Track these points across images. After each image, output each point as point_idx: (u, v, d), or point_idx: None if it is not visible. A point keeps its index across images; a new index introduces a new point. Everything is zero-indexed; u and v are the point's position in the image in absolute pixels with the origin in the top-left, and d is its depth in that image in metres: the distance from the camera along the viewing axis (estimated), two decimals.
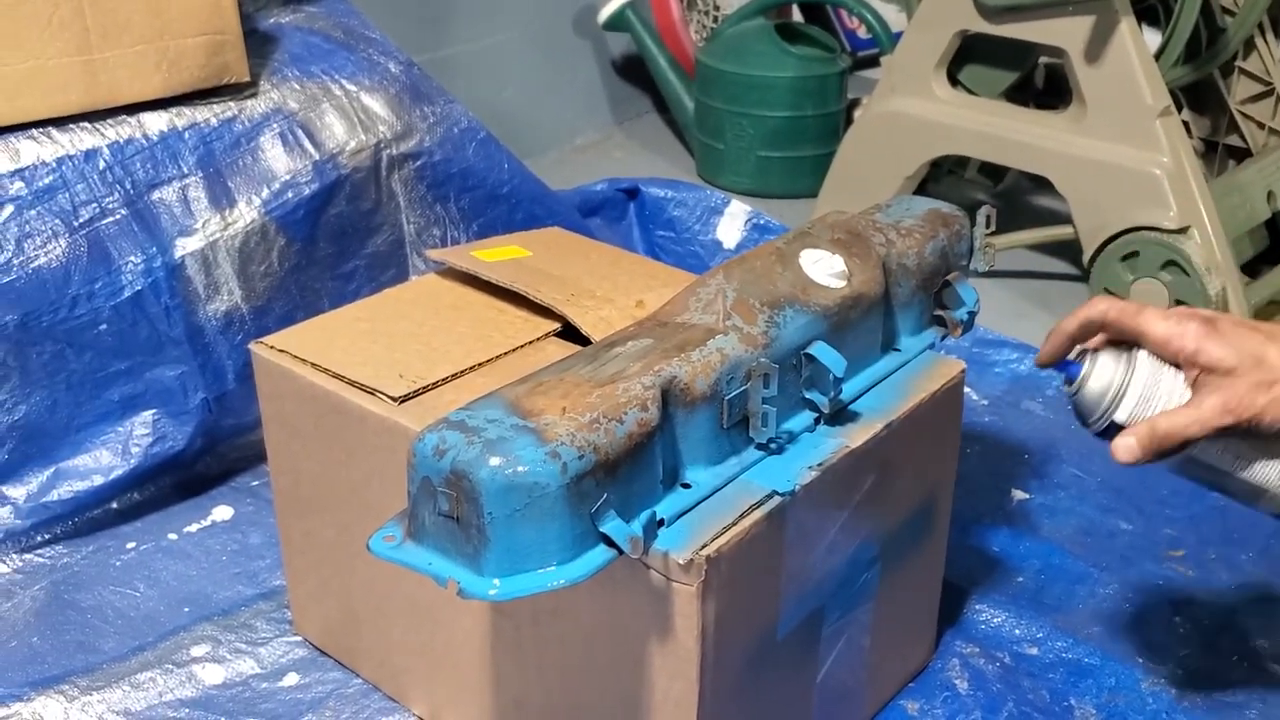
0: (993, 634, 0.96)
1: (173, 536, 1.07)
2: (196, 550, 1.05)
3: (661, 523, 0.64)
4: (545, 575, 0.59)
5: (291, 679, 0.91)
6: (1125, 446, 0.71)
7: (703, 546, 0.63)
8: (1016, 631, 0.96)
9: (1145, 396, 0.71)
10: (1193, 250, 1.34)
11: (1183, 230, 1.35)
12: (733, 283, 0.72)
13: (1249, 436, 0.69)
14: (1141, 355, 0.72)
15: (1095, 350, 0.74)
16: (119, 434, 1.06)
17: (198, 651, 0.93)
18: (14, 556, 1.02)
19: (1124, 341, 0.73)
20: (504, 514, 0.58)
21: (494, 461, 0.58)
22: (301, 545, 0.90)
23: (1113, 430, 0.72)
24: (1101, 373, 0.72)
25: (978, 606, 0.98)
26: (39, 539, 1.03)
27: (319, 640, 0.94)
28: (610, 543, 0.61)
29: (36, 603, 0.98)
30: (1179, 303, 1.36)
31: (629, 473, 0.62)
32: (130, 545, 1.05)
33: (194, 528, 1.08)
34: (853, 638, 0.80)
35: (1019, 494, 1.14)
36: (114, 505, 1.07)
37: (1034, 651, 0.94)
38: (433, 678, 0.85)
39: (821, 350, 0.71)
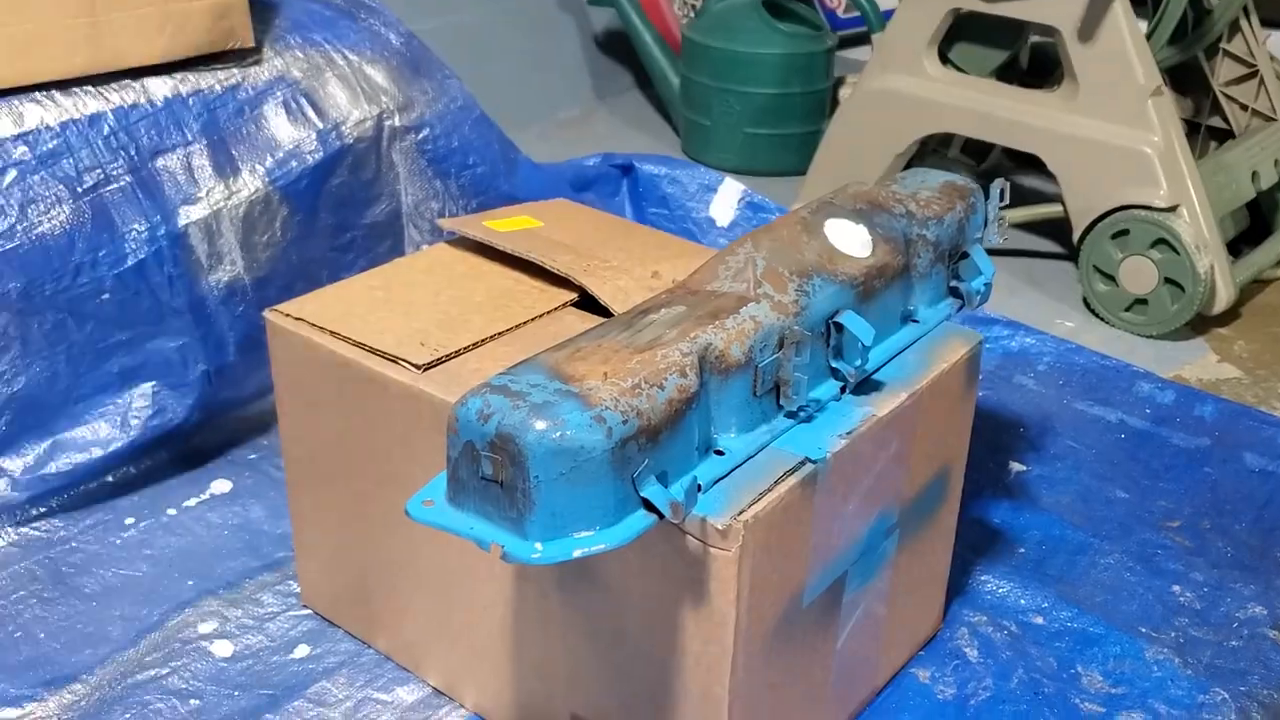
0: (999, 603, 0.97)
1: (171, 511, 1.05)
2: (197, 525, 1.04)
3: (699, 488, 0.64)
4: (587, 539, 0.59)
5: (302, 650, 0.91)
6: None
7: (740, 512, 0.64)
8: (1022, 601, 0.97)
9: None
10: (1182, 229, 1.35)
11: (1172, 209, 1.37)
12: (761, 252, 0.72)
13: None
14: None
15: None
16: (118, 406, 1.05)
17: (205, 628, 0.92)
18: (9, 530, 1.01)
19: None
20: (549, 478, 0.58)
21: (540, 425, 0.58)
22: (313, 517, 0.90)
23: None
24: None
25: (983, 577, 1.00)
26: (34, 512, 1.02)
27: (328, 612, 0.93)
28: (650, 507, 0.61)
29: (39, 584, 0.96)
30: (1169, 280, 1.38)
31: (669, 438, 0.62)
32: (129, 521, 1.04)
33: (193, 502, 1.07)
34: (870, 606, 0.81)
35: (1017, 466, 1.15)
36: (109, 479, 1.06)
37: (1040, 621, 0.95)
38: (449, 647, 0.84)
39: (851, 319, 0.71)
